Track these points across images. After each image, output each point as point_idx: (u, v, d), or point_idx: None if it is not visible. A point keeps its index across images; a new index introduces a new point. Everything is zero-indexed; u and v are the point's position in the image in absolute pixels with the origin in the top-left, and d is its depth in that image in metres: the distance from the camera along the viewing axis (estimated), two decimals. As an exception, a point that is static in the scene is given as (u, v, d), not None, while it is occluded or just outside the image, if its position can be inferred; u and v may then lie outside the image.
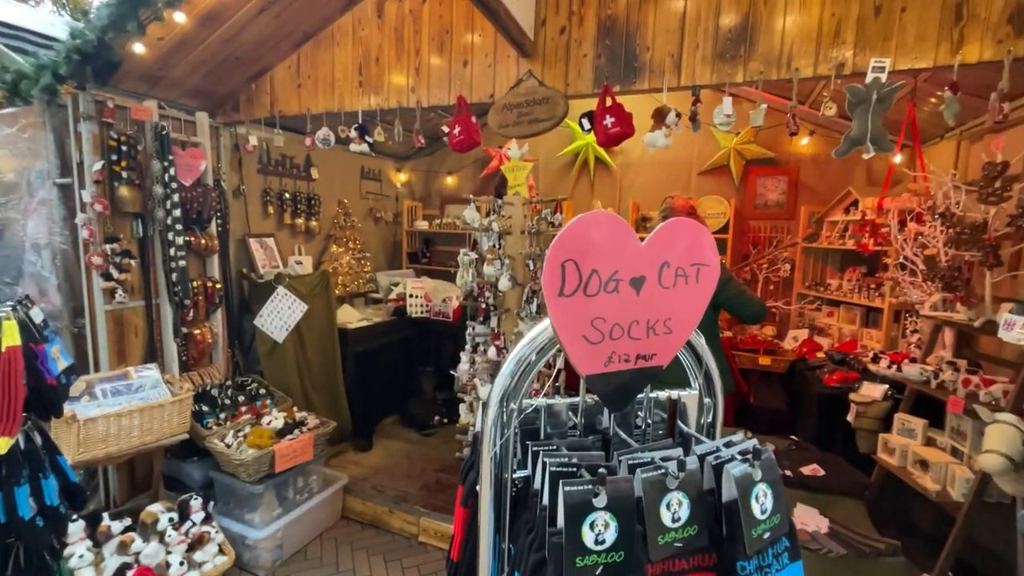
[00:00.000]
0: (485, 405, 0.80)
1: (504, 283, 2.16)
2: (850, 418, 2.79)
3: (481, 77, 2.69)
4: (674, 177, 4.49)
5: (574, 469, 0.70)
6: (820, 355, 3.42)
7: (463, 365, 2.25)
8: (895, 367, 2.79)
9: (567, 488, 0.65)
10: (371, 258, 4.87)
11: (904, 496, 2.49)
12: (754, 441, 0.74)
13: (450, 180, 5.32)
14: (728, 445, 0.75)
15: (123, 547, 2.30)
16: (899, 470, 2.46)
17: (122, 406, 2.39)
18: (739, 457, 0.72)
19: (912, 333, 3.07)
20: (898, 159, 3.60)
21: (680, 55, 2.29)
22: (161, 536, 2.38)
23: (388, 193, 5.27)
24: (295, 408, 3.23)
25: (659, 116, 2.29)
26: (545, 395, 0.87)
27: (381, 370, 4.19)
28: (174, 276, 2.91)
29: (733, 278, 2.56)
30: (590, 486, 0.65)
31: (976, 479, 2.08)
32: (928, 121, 3.26)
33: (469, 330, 2.33)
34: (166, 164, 2.83)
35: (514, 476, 0.80)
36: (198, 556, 2.36)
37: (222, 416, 3.04)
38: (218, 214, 3.28)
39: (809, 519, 2.39)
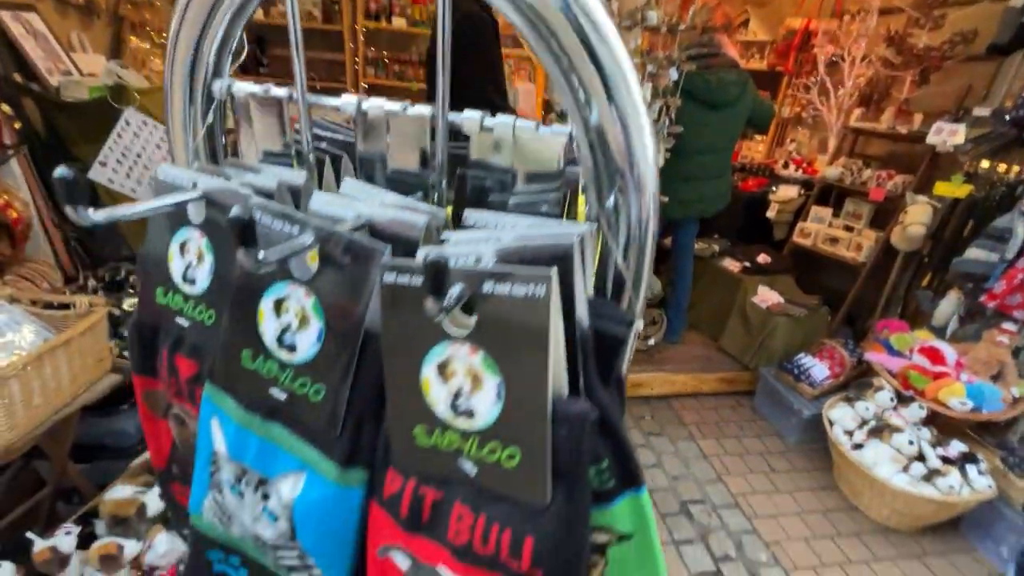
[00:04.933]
0: None
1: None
2: (770, 214, 3.47)
3: None
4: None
5: None
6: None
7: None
8: (801, 170, 3.51)
9: None
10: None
11: (815, 267, 3.37)
12: None
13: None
14: None
15: (109, 563, 1.42)
16: (815, 248, 3.28)
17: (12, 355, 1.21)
18: None
19: (791, 142, 3.82)
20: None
21: None
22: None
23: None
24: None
25: None
26: None
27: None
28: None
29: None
30: None
31: (879, 243, 2.94)
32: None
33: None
34: None
35: None
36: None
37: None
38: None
39: (770, 296, 3.06)
